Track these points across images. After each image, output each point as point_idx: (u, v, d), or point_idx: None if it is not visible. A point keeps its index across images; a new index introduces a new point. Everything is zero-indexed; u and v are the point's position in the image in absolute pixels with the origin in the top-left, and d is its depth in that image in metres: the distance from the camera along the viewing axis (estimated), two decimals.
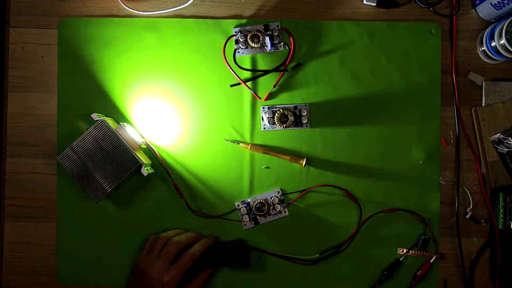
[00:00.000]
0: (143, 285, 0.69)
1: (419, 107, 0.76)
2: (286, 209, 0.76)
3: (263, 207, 0.75)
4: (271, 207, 0.76)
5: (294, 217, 0.76)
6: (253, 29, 0.75)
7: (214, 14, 0.77)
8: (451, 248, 0.77)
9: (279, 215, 0.76)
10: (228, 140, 0.76)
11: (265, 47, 0.76)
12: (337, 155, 0.77)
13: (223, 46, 0.75)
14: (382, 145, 0.76)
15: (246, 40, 0.75)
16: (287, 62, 0.76)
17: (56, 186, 0.77)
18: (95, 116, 0.71)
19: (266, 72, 0.76)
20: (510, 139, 0.74)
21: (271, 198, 0.76)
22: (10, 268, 0.78)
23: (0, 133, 0.78)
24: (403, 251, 0.76)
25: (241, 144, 0.76)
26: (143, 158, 0.73)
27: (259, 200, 0.76)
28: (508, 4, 0.71)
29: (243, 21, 0.77)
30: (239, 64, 0.76)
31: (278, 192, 0.76)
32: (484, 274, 0.77)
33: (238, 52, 0.76)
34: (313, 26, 0.77)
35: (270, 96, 0.76)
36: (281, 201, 0.76)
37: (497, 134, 0.75)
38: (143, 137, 0.76)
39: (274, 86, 0.76)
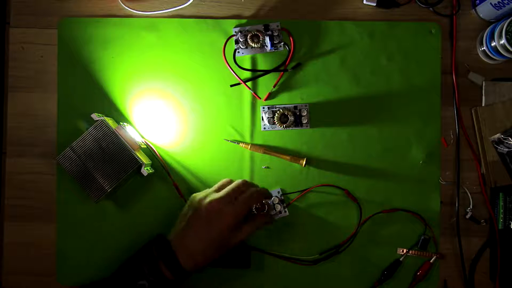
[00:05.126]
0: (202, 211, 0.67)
1: (419, 107, 0.76)
2: (286, 209, 0.76)
3: (263, 207, 0.75)
4: (271, 207, 0.76)
5: (294, 217, 0.76)
6: (253, 29, 0.75)
7: (214, 14, 0.77)
8: (451, 248, 0.77)
9: (279, 215, 0.76)
10: (228, 140, 0.76)
11: (265, 47, 0.76)
12: (337, 155, 0.77)
13: (223, 46, 0.75)
14: (382, 145, 0.76)
15: (246, 40, 0.75)
16: (287, 62, 0.76)
17: (56, 186, 0.77)
18: (95, 116, 0.71)
19: (266, 72, 0.76)
20: (510, 139, 0.74)
21: (271, 198, 0.76)
22: (10, 268, 0.77)
23: (0, 133, 0.78)
24: (403, 251, 0.76)
25: (241, 144, 0.76)
26: (143, 158, 0.73)
27: None
28: (508, 4, 0.71)
29: (243, 21, 0.77)
30: (239, 64, 0.76)
31: (278, 192, 0.76)
32: (484, 274, 0.77)
33: (238, 52, 0.76)
34: (313, 26, 0.77)
35: (270, 96, 0.76)
36: (281, 201, 0.76)
37: (497, 134, 0.75)
38: (143, 137, 0.76)
39: (274, 86, 0.76)
